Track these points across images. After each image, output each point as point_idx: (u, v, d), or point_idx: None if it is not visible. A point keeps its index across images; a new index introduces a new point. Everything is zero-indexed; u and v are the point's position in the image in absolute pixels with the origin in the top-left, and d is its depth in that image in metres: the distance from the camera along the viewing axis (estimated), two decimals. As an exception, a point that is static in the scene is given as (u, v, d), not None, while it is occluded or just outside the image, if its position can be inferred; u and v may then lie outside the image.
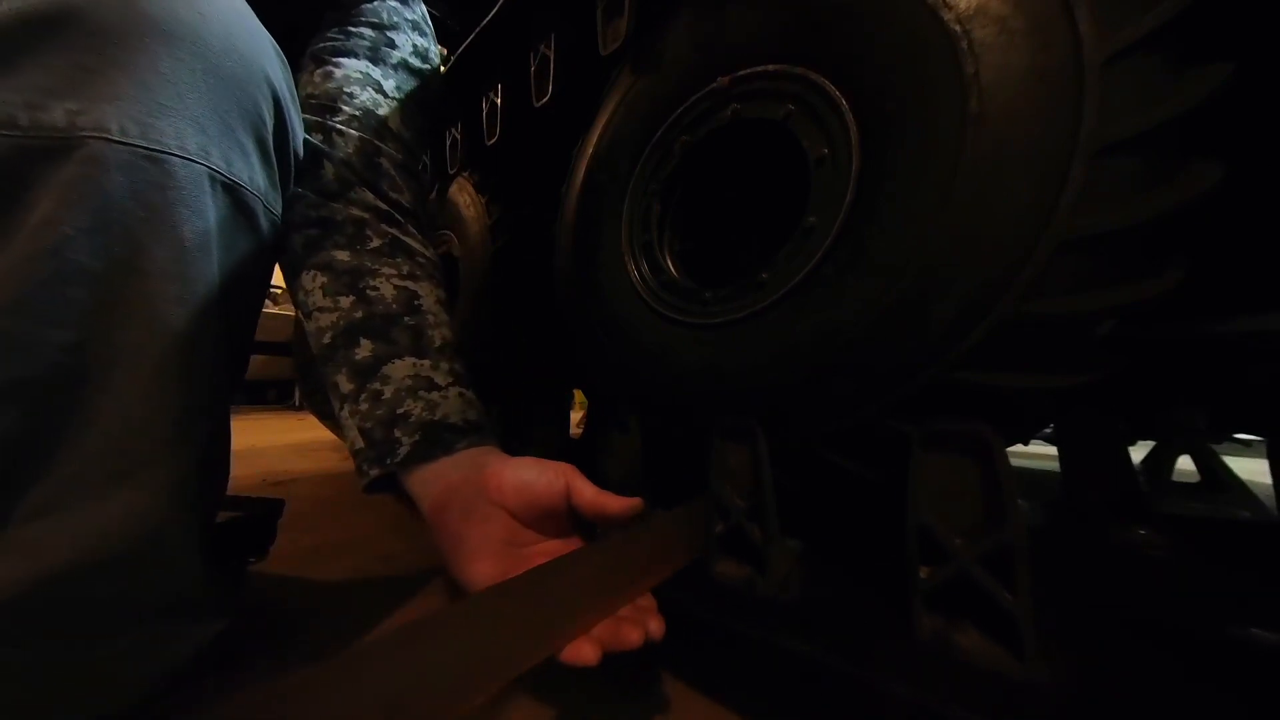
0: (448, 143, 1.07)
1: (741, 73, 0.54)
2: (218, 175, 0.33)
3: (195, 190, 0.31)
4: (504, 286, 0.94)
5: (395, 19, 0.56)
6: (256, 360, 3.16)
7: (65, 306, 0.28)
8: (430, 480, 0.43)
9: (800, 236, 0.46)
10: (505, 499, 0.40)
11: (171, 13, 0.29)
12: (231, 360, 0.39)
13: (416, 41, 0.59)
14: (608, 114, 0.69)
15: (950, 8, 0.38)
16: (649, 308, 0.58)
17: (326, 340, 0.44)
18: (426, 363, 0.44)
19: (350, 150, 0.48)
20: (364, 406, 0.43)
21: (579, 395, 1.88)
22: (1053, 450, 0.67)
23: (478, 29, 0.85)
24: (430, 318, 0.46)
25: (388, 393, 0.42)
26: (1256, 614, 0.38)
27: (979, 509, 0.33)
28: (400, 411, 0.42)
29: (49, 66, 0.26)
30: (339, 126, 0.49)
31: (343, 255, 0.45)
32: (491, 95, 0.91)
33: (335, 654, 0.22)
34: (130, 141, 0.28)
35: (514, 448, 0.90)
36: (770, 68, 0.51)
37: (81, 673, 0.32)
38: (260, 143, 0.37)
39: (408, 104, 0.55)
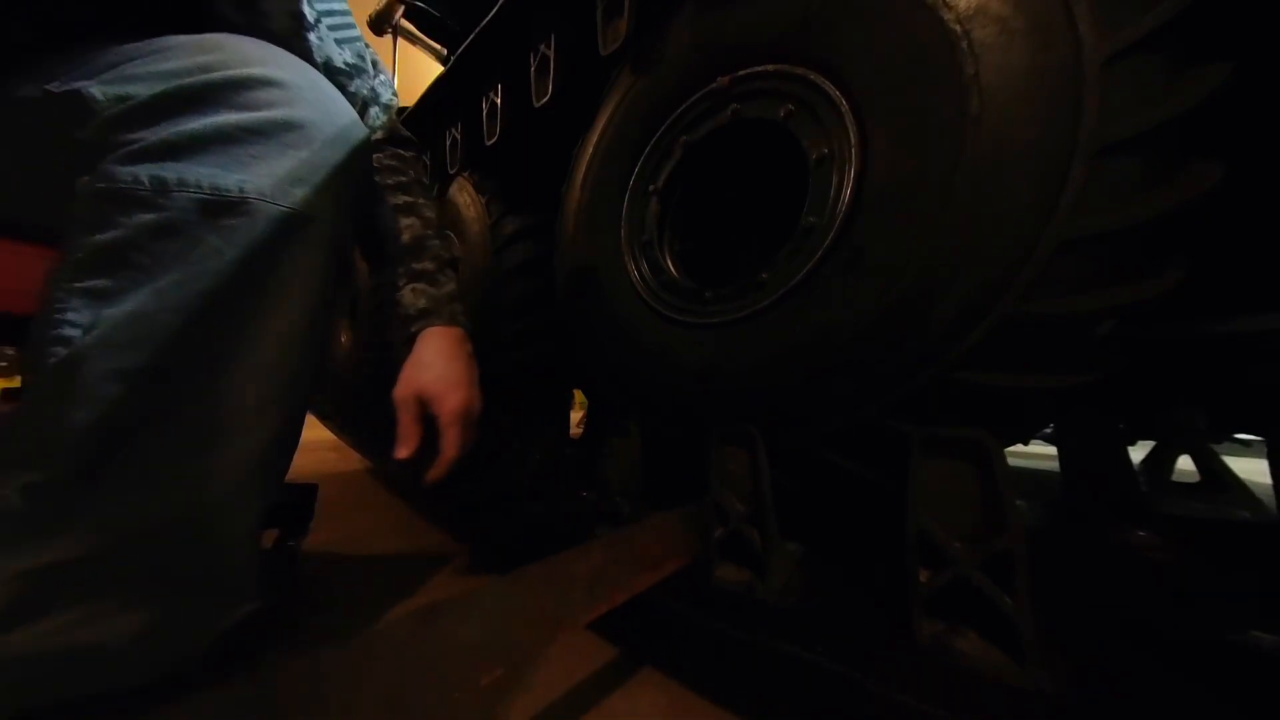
0: (448, 143, 1.07)
1: (741, 73, 0.54)
2: (323, 224, 0.43)
3: (312, 235, 0.42)
4: (504, 286, 0.94)
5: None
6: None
7: (209, 312, 0.37)
8: (415, 346, 0.60)
9: (800, 236, 0.46)
10: (418, 373, 0.57)
11: (313, 121, 0.43)
12: (317, 360, 0.49)
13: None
14: (608, 114, 0.69)
15: (950, 8, 0.38)
16: (649, 307, 0.58)
17: (401, 246, 0.62)
18: (423, 283, 0.61)
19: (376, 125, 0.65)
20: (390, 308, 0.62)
21: (579, 395, 1.88)
22: (1053, 450, 0.67)
23: (478, 29, 0.85)
24: (429, 245, 0.63)
25: (398, 298, 0.60)
26: (1256, 616, 0.38)
27: (978, 514, 0.33)
28: (404, 313, 0.60)
29: (229, 154, 0.38)
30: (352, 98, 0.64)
31: (403, 197, 0.65)
32: (491, 95, 0.91)
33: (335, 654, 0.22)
34: (277, 202, 0.39)
35: (515, 448, 0.90)
36: (770, 68, 0.51)
37: (120, 639, 0.36)
38: (350, 197, 0.48)
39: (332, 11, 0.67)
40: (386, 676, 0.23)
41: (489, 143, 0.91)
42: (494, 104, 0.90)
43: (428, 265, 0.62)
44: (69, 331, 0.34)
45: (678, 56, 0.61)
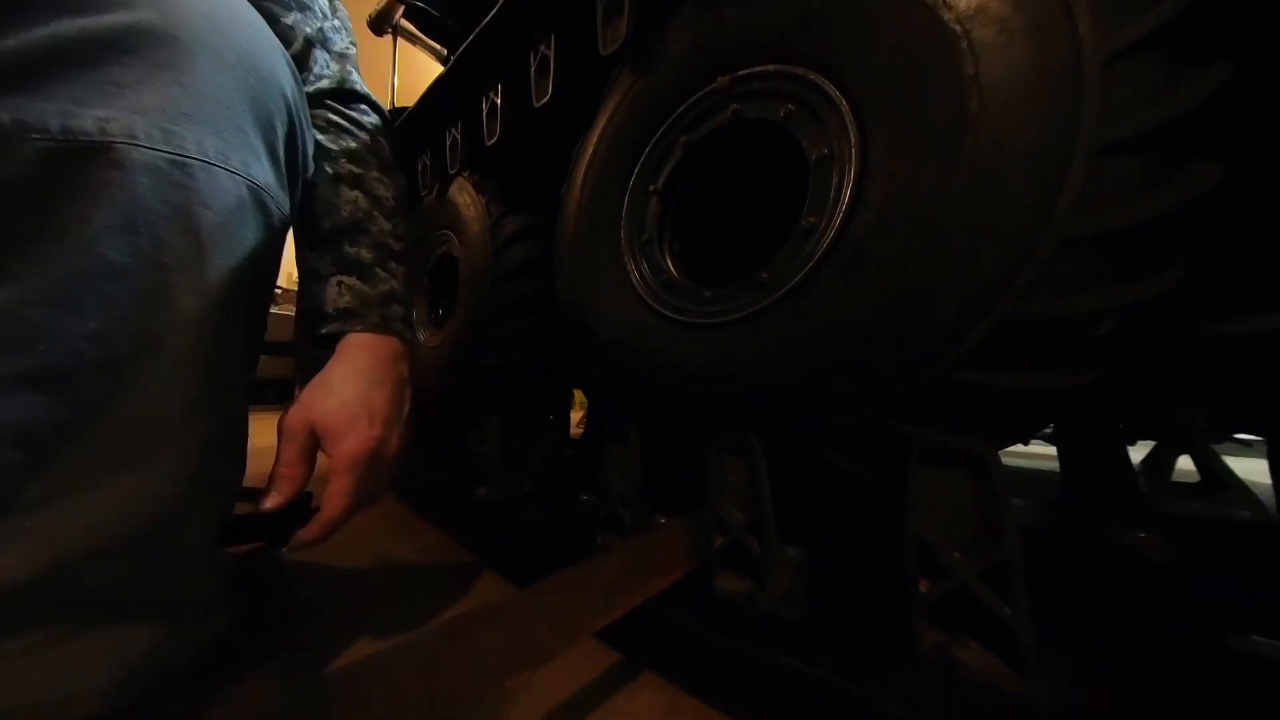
0: (448, 143, 1.07)
1: (741, 73, 0.54)
2: (238, 177, 0.35)
3: (215, 191, 0.34)
4: (504, 286, 0.94)
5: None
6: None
7: (92, 298, 0.30)
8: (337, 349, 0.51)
9: (800, 236, 0.46)
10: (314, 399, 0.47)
11: (196, 34, 0.32)
12: (247, 352, 0.41)
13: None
14: (608, 114, 0.69)
15: (950, 8, 0.38)
16: (649, 307, 0.58)
17: (339, 227, 0.52)
18: (353, 277, 0.51)
19: (327, 78, 0.54)
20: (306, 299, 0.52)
21: (579, 395, 1.88)
22: (1053, 450, 0.67)
23: (478, 29, 0.85)
24: (376, 227, 0.54)
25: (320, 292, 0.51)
26: (1257, 620, 0.38)
27: (977, 523, 0.33)
28: (322, 306, 0.50)
29: (83, 81, 0.29)
30: (304, 51, 0.53)
31: (353, 167, 0.54)
32: (491, 95, 0.91)
33: (335, 652, 0.23)
34: (155, 147, 0.30)
35: (514, 448, 0.90)
36: (770, 68, 0.51)
37: (87, 663, 0.32)
38: (270, 147, 0.39)
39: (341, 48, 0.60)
40: (422, 683, 0.24)
41: (489, 143, 0.91)
42: (494, 104, 0.90)
43: (363, 253, 0.50)
44: None
45: (678, 56, 0.61)
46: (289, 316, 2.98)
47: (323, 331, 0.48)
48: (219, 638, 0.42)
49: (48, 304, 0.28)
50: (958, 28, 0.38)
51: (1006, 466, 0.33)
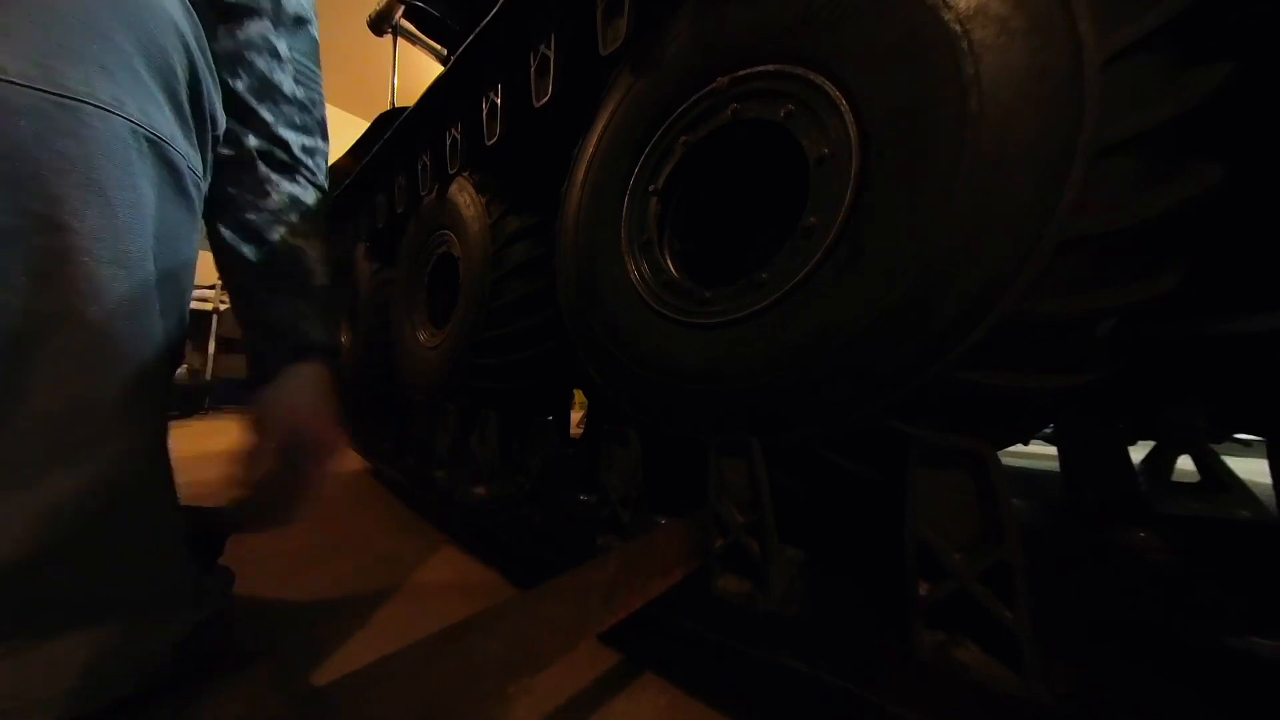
0: (448, 143, 1.07)
1: (741, 73, 0.54)
2: (139, 129, 0.31)
3: (116, 144, 0.29)
4: (504, 286, 0.94)
5: None
6: (256, 360, 3.16)
7: None
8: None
9: (800, 236, 0.46)
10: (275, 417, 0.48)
11: None
12: (171, 334, 0.37)
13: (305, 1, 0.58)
14: (608, 114, 0.69)
15: (950, 8, 0.38)
16: (649, 307, 0.58)
17: (249, 280, 0.51)
18: (300, 303, 0.52)
19: (259, 136, 0.50)
20: (251, 328, 0.52)
21: (579, 395, 1.88)
22: (1053, 450, 0.67)
23: (478, 29, 0.85)
24: (310, 267, 0.53)
25: (267, 318, 0.51)
26: (1256, 621, 0.38)
27: (977, 524, 0.33)
28: (272, 331, 0.51)
29: None
30: (244, 104, 0.49)
31: (250, 216, 0.50)
32: (491, 95, 0.91)
33: (336, 653, 0.23)
34: (33, 85, 0.26)
35: (514, 448, 0.90)
36: (770, 68, 0.51)
37: (46, 671, 0.30)
38: (173, 96, 0.35)
39: (300, 62, 0.56)
40: (422, 688, 0.24)
41: (489, 143, 0.91)
42: (494, 104, 0.90)
43: (321, 290, 0.52)
44: None
45: (678, 56, 0.61)
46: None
47: (296, 357, 0.50)
48: (217, 638, 0.42)
49: None
50: (958, 28, 0.38)
51: (1006, 466, 0.33)
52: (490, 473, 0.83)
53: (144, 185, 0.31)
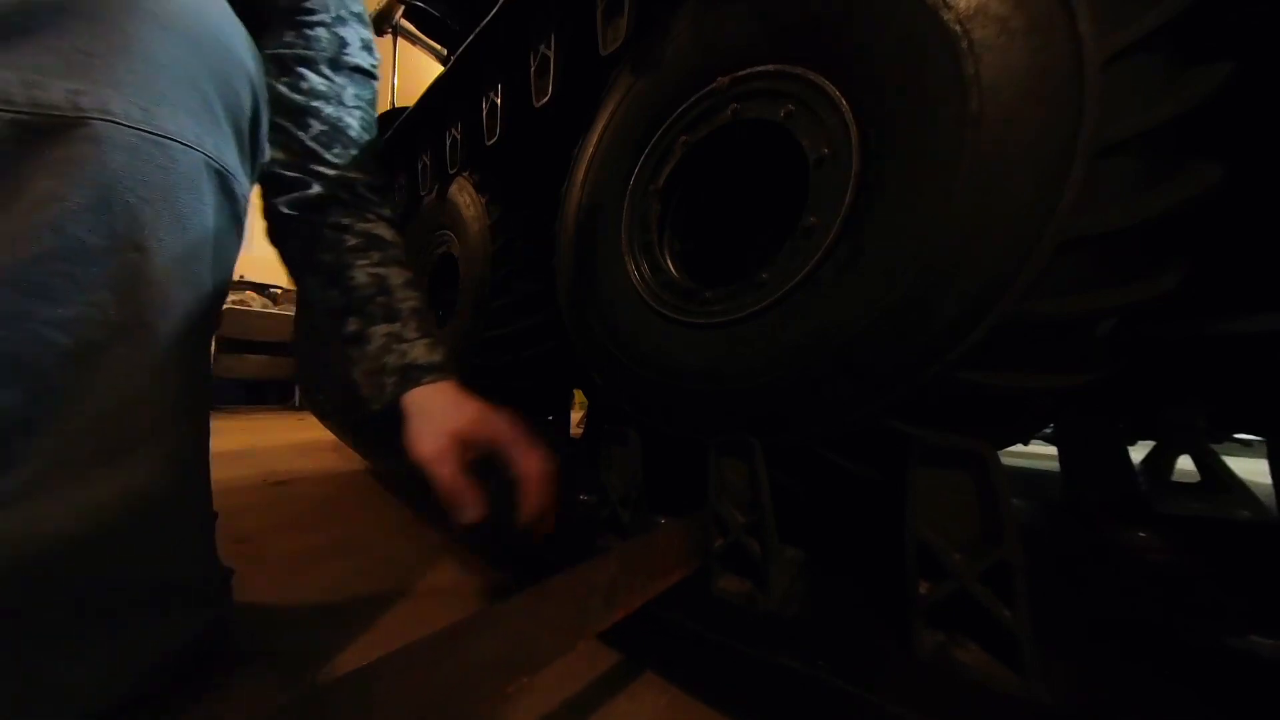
0: (448, 143, 1.07)
1: (741, 73, 0.54)
2: (212, 163, 0.34)
3: (195, 177, 0.33)
4: (504, 286, 0.94)
5: (344, 11, 0.58)
6: (257, 360, 3.16)
7: (63, 281, 0.28)
8: (409, 401, 0.52)
9: (800, 236, 0.46)
10: (448, 419, 0.49)
11: (165, 4, 0.31)
12: (209, 345, 0.42)
13: (363, 36, 0.60)
14: (608, 114, 0.69)
15: (950, 8, 0.38)
16: (649, 307, 0.58)
17: (326, 323, 0.55)
18: (397, 325, 0.53)
19: (329, 179, 0.55)
20: (360, 365, 0.54)
21: (579, 395, 1.88)
22: (1053, 450, 0.67)
23: (478, 29, 0.85)
24: (398, 293, 0.55)
25: (372, 351, 0.52)
26: (1256, 621, 0.38)
27: (977, 524, 0.33)
28: (383, 363, 0.52)
29: (48, 48, 0.27)
30: (314, 148, 0.54)
31: (327, 256, 0.54)
32: (491, 95, 0.91)
33: (336, 653, 0.23)
34: (135, 125, 0.29)
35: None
36: (769, 68, 0.51)
37: (76, 664, 0.31)
38: (239, 132, 0.39)
39: (364, 108, 0.60)
40: (423, 688, 0.24)
41: (489, 143, 0.92)
42: (494, 104, 0.90)
43: (427, 325, 0.54)
44: None
45: (678, 56, 0.61)
46: (288, 317, 2.98)
47: (427, 379, 0.52)
48: (217, 638, 0.42)
49: (12, 287, 0.26)
50: (958, 28, 0.38)
51: (1006, 466, 0.33)
52: (490, 477, 0.83)
53: (210, 212, 0.35)
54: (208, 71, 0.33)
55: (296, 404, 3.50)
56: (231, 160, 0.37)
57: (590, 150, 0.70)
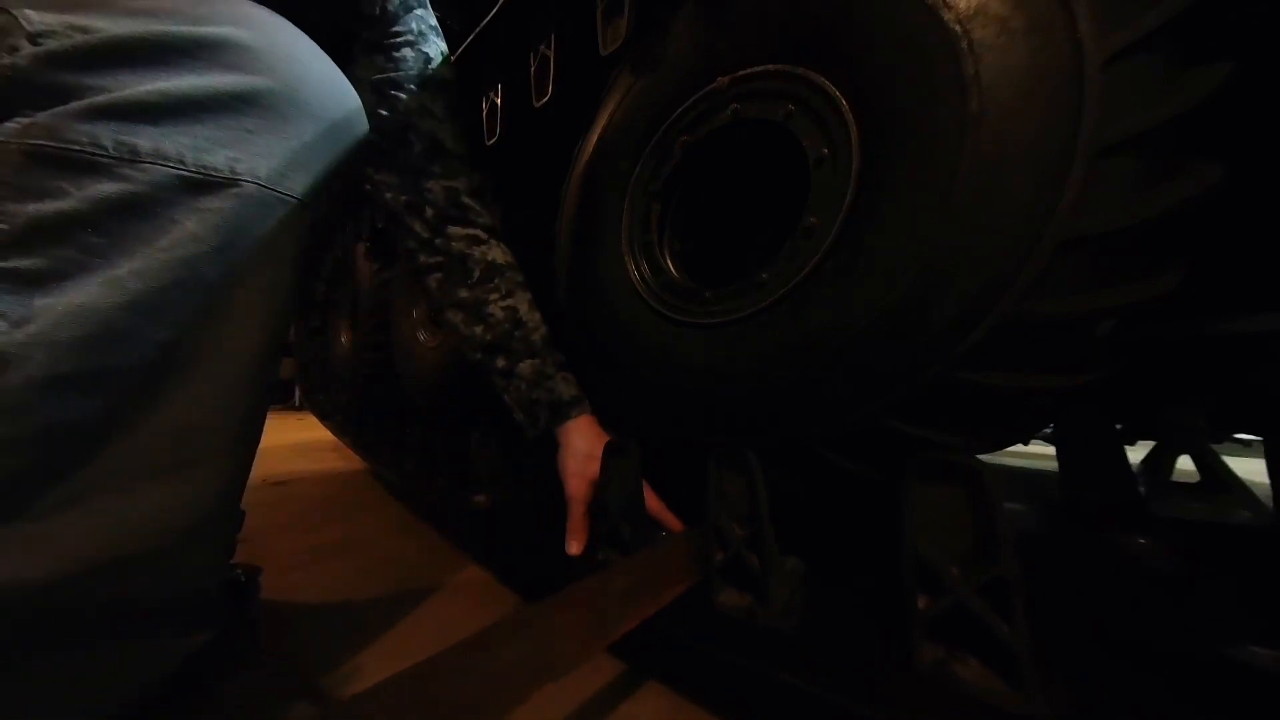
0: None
1: (741, 73, 0.54)
2: (318, 214, 0.40)
3: (302, 228, 0.38)
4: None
5: (423, 27, 0.64)
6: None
7: (175, 309, 0.32)
8: (561, 432, 0.61)
9: (800, 236, 0.46)
10: (590, 465, 0.57)
11: (307, 99, 0.38)
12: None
13: (442, 49, 0.67)
14: (608, 114, 0.69)
15: (950, 8, 0.38)
16: (649, 308, 0.58)
17: (478, 356, 0.63)
18: (539, 360, 0.61)
19: (438, 196, 0.61)
20: (513, 394, 0.62)
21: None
22: (1053, 450, 0.67)
23: (478, 29, 0.85)
24: (530, 324, 0.62)
25: (523, 386, 0.60)
26: (1254, 630, 0.37)
27: (974, 538, 0.33)
28: (534, 398, 0.60)
29: (223, 126, 0.33)
30: (421, 165, 0.61)
31: (463, 292, 0.62)
32: (491, 95, 0.91)
33: (337, 654, 0.23)
34: (272, 187, 0.35)
35: (515, 454, 0.90)
36: (770, 68, 0.51)
37: (94, 674, 0.32)
38: (343, 185, 0.46)
39: (455, 120, 0.66)
40: (447, 700, 0.25)
41: (489, 143, 0.91)
42: (494, 104, 0.90)
43: (557, 355, 0.62)
44: None
45: (678, 56, 0.61)
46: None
47: (573, 414, 0.60)
48: (218, 639, 0.42)
49: (135, 309, 0.30)
50: (958, 28, 0.38)
51: (1005, 468, 0.33)
52: (490, 479, 0.83)
53: (304, 259, 0.40)
54: (332, 143, 0.40)
55: (297, 404, 3.50)
56: (330, 208, 0.43)
57: (590, 150, 0.70)
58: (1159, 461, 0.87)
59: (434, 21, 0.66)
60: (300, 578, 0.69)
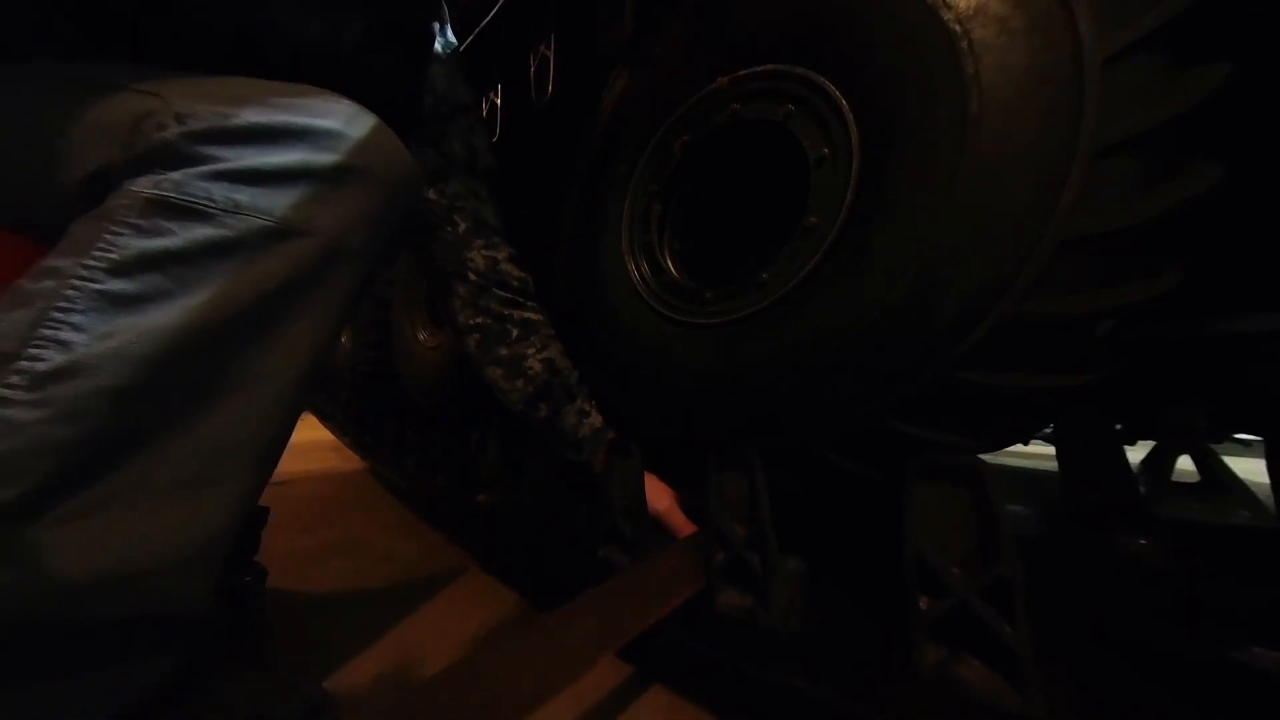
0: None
1: (741, 73, 0.54)
2: (371, 264, 0.45)
3: (355, 274, 0.43)
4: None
5: (471, 121, 0.71)
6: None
7: (236, 336, 0.35)
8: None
9: (800, 236, 0.46)
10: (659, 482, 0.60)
11: (380, 172, 0.43)
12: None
13: (488, 140, 0.74)
14: (607, 114, 0.69)
15: (950, 7, 0.38)
16: (649, 307, 0.58)
17: (520, 408, 0.68)
18: (578, 401, 0.66)
19: (479, 264, 0.68)
20: (558, 437, 0.67)
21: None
22: (1053, 450, 0.67)
23: (478, 29, 0.85)
24: (563, 370, 0.67)
25: (568, 428, 0.65)
26: (1257, 631, 0.37)
27: (975, 539, 0.33)
28: (580, 436, 0.65)
29: (309, 191, 0.38)
30: (466, 238, 0.68)
31: (503, 350, 0.68)
32: (491, 95, 0.91)
33: (337, 654, 0.23)
34: (336, 239, 0.40)
35: (515, 455, 0.90)
36: (770, 68, 0.51)
37: (96, 693, 0.33)
38: (395, 242, 0.50)
39: (496, 200, 0.73)
40: (463, 709, 0.26)
41: (489, 143, 0.91)
42: (494, 104, 0.90)
43: (586, 391, 0.67)
44: (69, 335, 0.30)
45: (678, 56, 0.61)
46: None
47: (609, 435, 0.64)
48: (218, 639, 0.42)
49: (203, 332, 0.34)
50: (958, 28, 0.38)
51: (1006, 468, 0.33)
52: (490, 480, 0.83)
53: (347, 303, 0.43)
54: (391, 205, 0.45)
55: (296, 404, 3.49)
56: (383, 262, 0.48)
57: (590, 150, 0.70)
58: (1159, 461, 0.86)
59: (480, 113, 0.75)
60: (300, 578, 0.69)
